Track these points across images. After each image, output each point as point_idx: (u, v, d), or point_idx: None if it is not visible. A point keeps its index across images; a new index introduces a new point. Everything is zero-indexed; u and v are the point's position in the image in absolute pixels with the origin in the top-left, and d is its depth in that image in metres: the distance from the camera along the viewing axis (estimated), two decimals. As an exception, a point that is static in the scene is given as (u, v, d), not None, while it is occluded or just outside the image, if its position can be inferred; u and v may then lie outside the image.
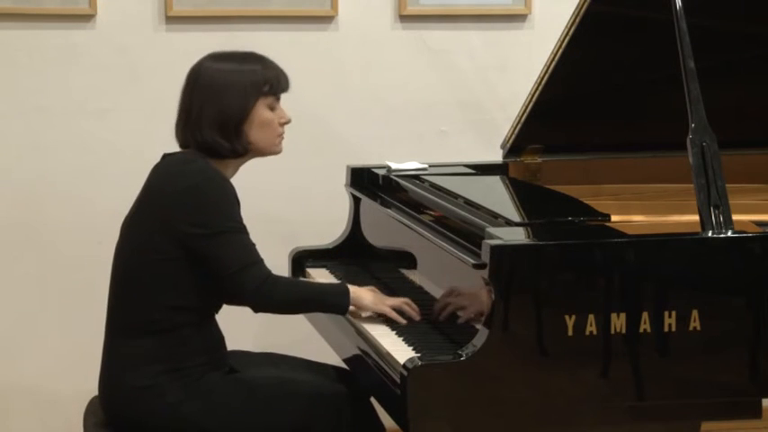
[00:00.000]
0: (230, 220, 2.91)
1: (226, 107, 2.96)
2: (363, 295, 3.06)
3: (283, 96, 3.09)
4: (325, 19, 4.27)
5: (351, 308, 3.04)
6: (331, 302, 3.04)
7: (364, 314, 3.10)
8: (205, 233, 2.89)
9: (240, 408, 2.95)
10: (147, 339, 2.94)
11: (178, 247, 2.91)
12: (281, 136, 3.06)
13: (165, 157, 3.06)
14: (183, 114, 3.02)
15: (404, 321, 3.05)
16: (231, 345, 3.11)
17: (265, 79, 3.00)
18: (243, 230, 2.93)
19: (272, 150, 3.06)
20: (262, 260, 2.94)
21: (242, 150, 2.99)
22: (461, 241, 2.95)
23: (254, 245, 2.94)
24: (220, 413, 2.93)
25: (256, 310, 2.99)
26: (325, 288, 3.10)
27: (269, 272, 2.94)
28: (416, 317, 3.06)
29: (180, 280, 2.93)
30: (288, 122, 3.07)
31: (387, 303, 3.07)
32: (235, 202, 2.94)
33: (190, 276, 2.92)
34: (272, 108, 3.03)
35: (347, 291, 3.04)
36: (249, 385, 3.00)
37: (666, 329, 2.75)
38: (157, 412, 2.92)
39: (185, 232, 2.89)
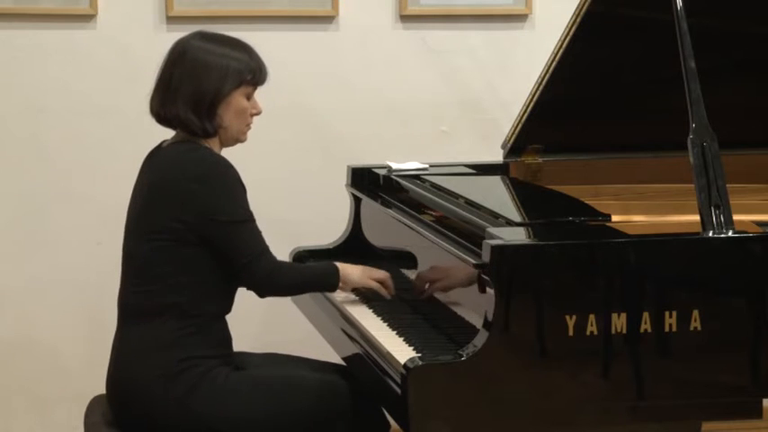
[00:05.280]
0: (240, 208, 2.98)
1: (204, 86, 3.00)
2: (350, 272, 3.18)
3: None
4: (326, 19, 4.27)
5: (340, 284, 3.18)
6: (325, 282, 3.18)
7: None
8: (218, 222, 2.95)
9: (247, 402, 2.97)
10: (160, 325, 2.96)
11: (193, 232, 2.95)
12: (249, 126, 3.10)
13: (165, 147, 3.08)
14: (161, 86, 3.05)
15: (388, 296, 3.20)
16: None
17: (249, 68, 3.04)
18: (252, 218, 3.01)
19: (238, 138, 3.09)
20: (268, 247, 3.03)
21: (211, 130, 3.02)
22: (462, 241, 2.95)
23: (260, 232, 3.02)
24: (227, 407, 2.95)
25: (264, 295, 3.09)
26: (319, 270, 3.22)
27: (275, 259, 3.04)
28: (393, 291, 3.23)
29: (199, 262, 2.97)
30: (259, 113, 3.11)
31: (373, 277, 3.21)
32: (242, 190, 3.01)
33: (209, 259, 2.97)
34: (248, 97, 3.06)
35: (337, 270, 3.16)
36: (255, 380, 3.04)
37: (667, 329, 2.75)
38: (164, 404, 2.94)
39: (199, 221, 2.95)
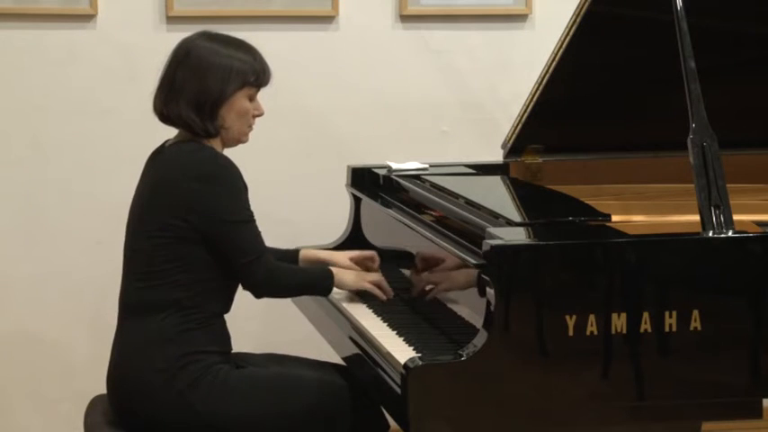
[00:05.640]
0: (243, 208, 3.00)
1: (207, 87, 3.01)
2: (344, 277, 3.21)
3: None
4: (326, 19, 4.27)
5: (334, 288, 3.20)
6: (320, 286, 3.19)
7: (342, 295, 3.28)
8: (220, 221, 2.96)
9: (247, 399, 2.98)
10: (161, 321, 2.97)
11: (195, 230, 2.96)
12: (251, 127, 3.11)
13: (168, 147, 3.09)
14: (165, 85, 3.06)
15: (384, 297, 3.20)
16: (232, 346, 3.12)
17: (253, 70, 3.05)
18: (253, 219, 3.02)
19: (240, 139, 3.11)
20: (267, 248, 3.06)
21: (213, 131, 3.03)
22: (462, 241, 2.95)
23: (260, 233, 3.04)
24: (227, 404, 2.96)
25: (260, 296, 3.10)
26: (314, 273, 3.23)
27: (273, 260, 3.07)
28: (390, 293, 3.23)
29: (200, 260, 2.98)
30: (261, 115, 3.11)
31: (367, 279, 3.23)
32: (245, 190, 3.02)
33: (209, 257, 2.99)
34: (250, 99, 3.07)
35: (331, 274, 3.18)
36: (256, 379, 3.06)
37: (667, 329, 2.75)
38: (165, 398, 2.94)
39: (202, 220, 2.96)
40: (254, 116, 3.09)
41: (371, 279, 3.23)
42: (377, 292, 3.22)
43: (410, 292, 3.24)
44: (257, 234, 3.03)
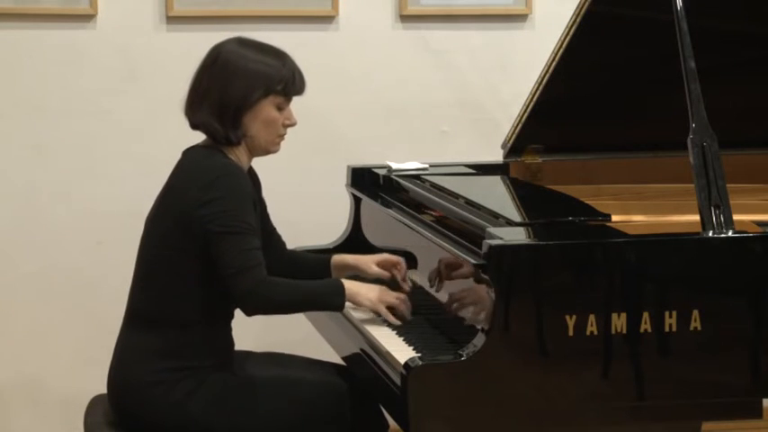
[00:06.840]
0: (237, 219, 2.89)
1: (230, 92, 2.93)
2: (360, 292, 3.02)
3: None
4: (326, 19, 4.27)
5: (347, 303, 3.02)
6: (326, 301, 3.01)
7: (362, 313, 3.13)
8: (210, 232, 2.88)
9: (246, 403, 2.97)
10: (162, 333, 2.95)
11: (196, 242, 2.91)
12: (281, 137, 3.03)
13: (187, 152, 3.05)
14: (192, 90, 2.99)
15: (398, 322, 3.04)
16: (232, 345, 3.12)
17: (280, 78, 2.95)
18: (248, 231, 2.90)
19: (268, 149, 3.03)
20: (261, 263, 2.91)
21: (235, 139, 2.95)
22: (462, 241, 2.95)
23: (258, 248, 2.92)
24: (225, 412, 2.95)
25: (249, 312, 2.96)
26: (320, 287, 3.05)
27: (266, 275, 2.91)
28: (408, 317, 3.05)
29: (201, 272, 2.93)
30: (293, 125, 3.03)
31: (384, 300, 3.03)
32: (248, 202, 2.93)
33: (207, 272, 2.92)
34: (280, 108, 2.98)
35: (342, 289, 2.99)
36: (253, 383, 3.03)
37: (667, 329, 2.75)
38: (163, 408, 2.93)
39: (197, 228, 2.89)
40: (286, 126, 3.00)
41: (390, 302, 3.04)
42: (392, 319, 3.03)
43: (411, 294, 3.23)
44: (249, 247, 2.88)
